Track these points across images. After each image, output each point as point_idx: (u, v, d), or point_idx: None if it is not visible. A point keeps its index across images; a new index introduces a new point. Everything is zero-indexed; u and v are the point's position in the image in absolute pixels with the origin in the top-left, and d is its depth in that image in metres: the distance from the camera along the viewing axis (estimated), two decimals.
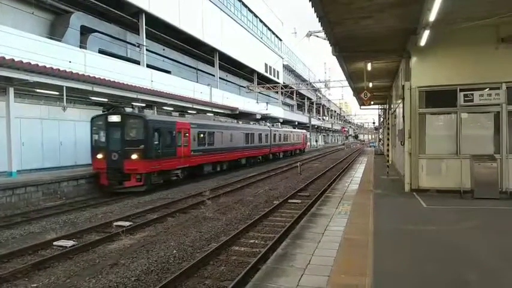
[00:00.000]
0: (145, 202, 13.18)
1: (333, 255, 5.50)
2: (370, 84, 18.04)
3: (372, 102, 28.52)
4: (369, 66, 13.69)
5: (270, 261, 5.45)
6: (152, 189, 15.19)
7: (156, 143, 15.43)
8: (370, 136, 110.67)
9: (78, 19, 20.32)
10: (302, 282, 4.57)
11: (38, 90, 15.74)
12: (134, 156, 14.55)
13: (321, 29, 10.16)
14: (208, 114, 26.08)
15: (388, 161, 19.25)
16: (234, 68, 39.99)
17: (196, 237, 8.57)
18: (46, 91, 15.78)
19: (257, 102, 39.18)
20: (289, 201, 12.72)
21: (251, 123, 30.17)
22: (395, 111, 18.31)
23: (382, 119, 38.90)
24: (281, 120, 45.98)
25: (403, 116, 11.54)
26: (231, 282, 5.75)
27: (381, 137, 47.17)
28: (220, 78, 36.23)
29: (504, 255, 5.52)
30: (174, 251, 7.57)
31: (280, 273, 4.88)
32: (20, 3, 17.85)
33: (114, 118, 15.14)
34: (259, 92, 43.93)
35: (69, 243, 8.08)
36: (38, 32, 17.73)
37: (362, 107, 32.88)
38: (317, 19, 9.09)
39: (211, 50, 33.86)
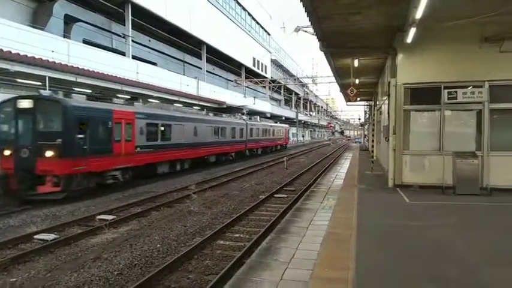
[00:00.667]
0: (129, 195, 13.01)
1: (316, 249, 5.55)
2: (357, 81, 18.18)
3: (358, 99, 28.87)
4: (356, 63, 13.78)
5: (254, 255, 5.46)
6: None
7: (80, 136, 11.99)
8: (355, 132, 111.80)
9: (61, 7, 19.85)
10: (285, 275, 4.60)
11: (19, 80, 15.31)
12: (49, 154, 11.30)
13: (310, 24, 10.15)
14: (176, 104, 23.81)
15: (372, 156, 19.47)
16: (221, 61, 39.77)
17: (181, 231, 8.52)
18: (28, 81, 15.38)
19: (244, 97, 39.07)
20: (275, 195, 12.75)
21: (224, 115, 27.64)
22: (380, 107, 18.50)
23: (367, 115, 39.32)
24: (268, 115, 45.97)
25: (388, 113, 11.67)
26: (215, 276, 5.73)
27: (366, 133, 47.72)
28: (207, 71, 35.99)
29: (483, 250, 5.66)
30: (158, 245, 7.51)
31: (264, 267, 4.89)
32: None
33: (25, 103, 11.71)
34: (247, 87, 43.83)
35: (50, 236, 7.92)
36: (19, 20, 17.22)
37: (348, 103, 33.26)
38: (305, 14, 9.07)
39: (199, 43, 33.57)
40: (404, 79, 11.03)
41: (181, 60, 33.63)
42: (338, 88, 25.53)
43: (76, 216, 9.98)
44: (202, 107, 30.47)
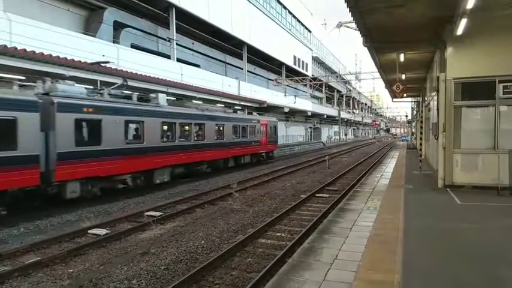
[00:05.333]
0: (175, 193, 13.48)
1: (360, 250, 5.42)
2: (403, 76, 17.47)
3: (405, 95, 27.73)
4: (402, 57, 13.25)
5: (296, 254, 5.45)
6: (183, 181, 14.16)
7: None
8: (402, 130, 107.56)
9: (111, 15, 20.95)
10: (328, 276, 4.54)
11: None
12: None
13: (352, 19, 9.91)
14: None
15: (420, 155, 18.63)
16: (262, 60, 39.91)
17: (224, 229, 8.69)
18: (82, 85, 16.38)
19: (285, 95, 38.94)
20: (317, 195, 12.61)
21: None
22: (429, 103, 17.66)
23: (415, 112, 37.66)
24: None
25: (438, 109, 11.11)
26: (257, 274, 5.79)
27: (413, 130, 45.73)
28: (248, 71, 36.29)
29: None
30: (202, 242, 7.72)
31: (306, 267, 4.87)
32: (58, 1, 18.59)
33: None
34: (288, 85, 43.64)
35: (102, 231, 8.42)
36: (73, 28, 18.42)
37: (394, 99, 31.98)
38: (347, 9, 8.88)
39: (240, 43, 33.94)
40: (454, 73, 10.44)
41: (223, 62, 34.20)
42: (383, 84, 24.66)
43: (126, 212, 10.51)
44: (244, 107, 30.82)
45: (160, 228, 8.82)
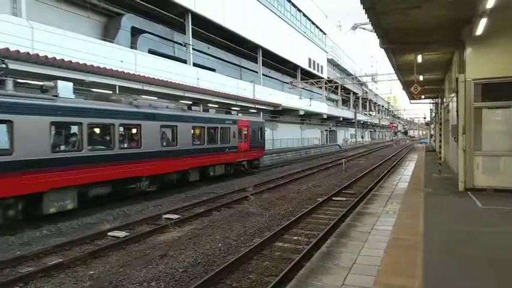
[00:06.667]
0: (192, 196, 13.59)
1: (380, 255, 5.35)
2: (421, 77, 17.20)
3: (423, 96, 27.24)
4: (419, 59, 13.05)
5: (314, 259, 5.41)
6: (197, 184, 13.73)
7: None
8: (420, 132, 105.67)
9: (128, 21, 21.35)
10: (347, 281, 4.50)
11: (93, 90, 16.73)
12: None
13: (368, 20, 9.83)
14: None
15: (440, 158, 18.28)
16: (277, 64, 39.93)
17: (240, 232, 8.72)
18: (100, 90, 16.75)
19: (300, 98, 38.81)
20: (334, 198, 12.51)
21: None
22: (448, 105, 17.32)
23: (434, 114, 36.97)
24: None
25: (457, 111, 10.88)
26: (274, 277, 5.79)
27: (432, 132, 44.89)
28: (263, 74, 36.38)
29: None
30: (220, 244, 7.76)
31: (325, 271, 4.84)
32: (78, 8, 19.08)
33: None
34: (303, 88, 43.48)
35: (122, 234, 8.57)
36: (92, 34, 18.85)
37: (412, 101, 31.46)
38: (363, 10, 8.82)
39: (255, 47, 34.07)
40: (474, 74, 10.21)
41: (238, 65, 34.38)
42: (400, 86, 24.32)
43: (144, 214, 10.66)
44: (259, 110, 30.87)
45: (178, 231, 8.91)
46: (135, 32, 21.93)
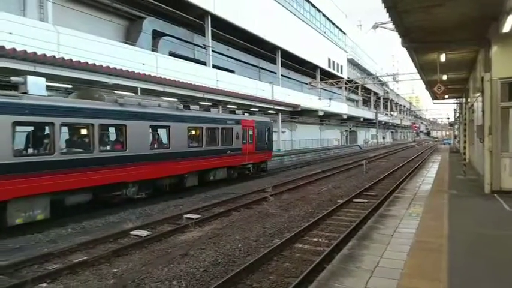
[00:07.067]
0: (212, 196, 13.69)
1: (403, 258, 5.25)
2: (444, 77, 16.76)
3: (447, 96, 26.58)
4: (443, 58, 12.72)
5: (335, 261, 5.36)
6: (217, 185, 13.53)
7: None
8: (444, 132, 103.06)
9: (150, 24, 21.76)
10: (370, 284, 4.44)
11: (116, 92, 17.12)
12: None
13: (389, 19, 9.67)
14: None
15: (465, 159, 17.76)
16: (296, 64, 39.80)
17: (260, 233, 8.72)
18: (123, 92, 17.13)
19: (319, 99, 38.53)
20: (354, 200, 12.35)
21: None
22: (473, 105, 16.82)
23: (458, 114, 35.99)
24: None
25: (483, 111, 10.56)
26: (295, 279, 5.76)
27: (456, 133, 43.68)
28: (282, 75, 36.33)
29: None
30: (240, 245, 7.79)
31: (346, 274, 4.78)
32: (101, 12, 19.59)
33: None
34: (322, 88, 43.14)
35: (144, 233, 8.72)
36: (115, 38, 19.31)
37: (435, 101, 30.73)
38: (384, 10, 8.68)
39: (273, 48, 34.07)
40: (500, 73, 9.89)
41: (257, 66, 34.45)
42: (423, 85, 23.75)
43: (166, 214, 10.82)
44: (277, 111, 30.83)
45: (199, 231, 8.99)
46: (156, 35, 22.32)
